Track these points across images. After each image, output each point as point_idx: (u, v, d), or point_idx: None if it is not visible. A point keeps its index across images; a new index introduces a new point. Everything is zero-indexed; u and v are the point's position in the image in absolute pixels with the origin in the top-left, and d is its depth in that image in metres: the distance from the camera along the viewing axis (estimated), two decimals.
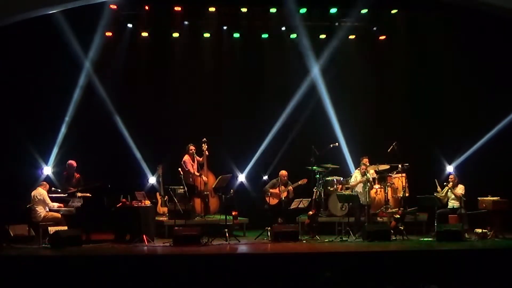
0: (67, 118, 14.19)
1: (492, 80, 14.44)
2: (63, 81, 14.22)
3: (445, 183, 13.18)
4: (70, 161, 13.14)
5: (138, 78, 14.85)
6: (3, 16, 12.18)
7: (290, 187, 13.32)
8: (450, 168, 14.52)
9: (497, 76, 14.40)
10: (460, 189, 12.96)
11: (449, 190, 13.02)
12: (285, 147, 14.87)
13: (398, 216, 12.67)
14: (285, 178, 13.45)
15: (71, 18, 13.61)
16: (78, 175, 13.06)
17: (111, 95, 14.46)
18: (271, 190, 13.50)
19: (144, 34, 14.86)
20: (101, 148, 14.06)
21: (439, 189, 13.07)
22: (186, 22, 14.85)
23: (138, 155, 14.51)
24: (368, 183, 13.00)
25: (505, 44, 14.10)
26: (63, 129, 14.16)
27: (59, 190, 12.69)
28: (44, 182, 12.40)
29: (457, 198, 12.94)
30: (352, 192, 13.17)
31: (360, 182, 13.04)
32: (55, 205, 12.17)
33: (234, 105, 15.05)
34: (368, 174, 13.11)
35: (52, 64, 14.05)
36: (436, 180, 13.19)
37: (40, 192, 12.09)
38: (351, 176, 13.71)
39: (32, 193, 12.08)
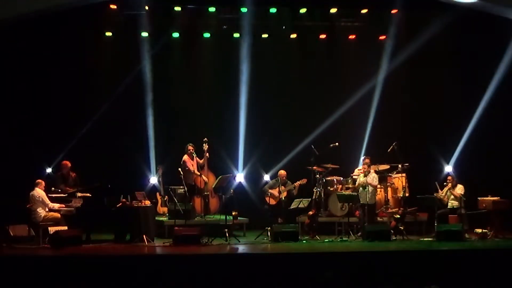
0: None
1: (492, 80, 14.46)
2: (65, 82, 14.24)
3: (444, 183, 13.19)
4: (64, 161, 13.14)
5: (138, 78, 14.83)
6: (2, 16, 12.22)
7: (297, 184, 13.26)
8: (449, 168, 14.52)
9: (497, 76, 14.41)
10: (460, 189, 12.97)
11: (449, 191, 13.02)
12: (285, 147, 14.88)
13: (398, 216, 12.67)
14: (284, 178, 13.45)
15: (72, 18, 13.64)
16: (74, 174, 13.05)
17: (111, 95, 14.45)
18: (270, 191, 13.49)
19: (144, 34, 14.85)
20: (101, 148, 14.08)
21: (439, 191, 13.07)
22: (186, 22, 14.84)
23: (138, 155, 14.48)
24: (369, 185, 12.98)
25: (505, 42, 14.11)
26: (64, 129, 14.17)
27: (60, 190, 12.67)
28: (40, 181, 12.29)
29: (457, 198, 12.94)
30: (353, 192, 13.18)
31: (362, 183, 13.02)
32: (55, 205, 12.15)
33: (234, 105, 15.04)
34: (370, 174, 13.10)
35: (53, 65, 14.08)
36: (436, 183, 13.19)
37: (39, 192, 12.05)
38: (351, 176, 13.72)
39: (31, 194, 12.04)
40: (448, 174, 13.79)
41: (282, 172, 13.53)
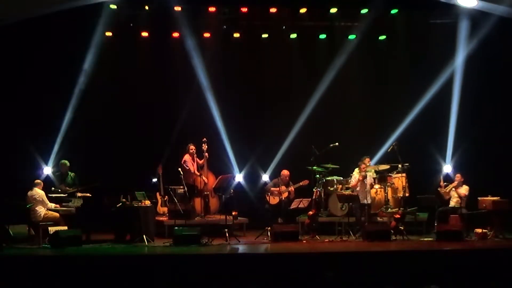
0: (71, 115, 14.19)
1: (492, 80, 14.46)
2: (63, 81, 14.24)
3: (447, 183, 13.17)
4: (63, 161, 13.15)
5: (138, 78, 14.83)
6: (2, 16, 12.22)
7: (291, 188, 13.30)
8: (448, 168, 14.51)
9: (497, 76, 14.40)
10: (464, 190, 12.93)
11: (453, 188, 12.99)
12: (285, 147, 14.88)
13: (398, 216, 12.67)
14: (287, 178, 13.45)
15: (72, 18, 13.64)
16: (73, 173, 13.04)
17: (111, 95, 14.44)
18: (273, 189, 13.48)
19: (144, 34, 14.85)
20: (101, 148, 14.07)
21: (442, 184, 13.05)
22: (186, 22, 14.83)
23: (138, 155, 14.46)
24: (365, 182, 12.97)
25: (506, 42, 14.12)
26: (63, 129, 14.17)
27: (60, 190, 12.68)
28: (39, 181, 12.32)
29: (460, 198, 12.90)
30: (352, 192, 13.17)
31: (359, 181, 13.01)
32: (53, 205, 12.15)
33: (234, 105, 15.03)
34: (368, 174, 13.10)
35: (52, 65, 14.07)
36: (441, 176, 13.18)
37: (38, 192, 12.05)
38: (351, 176, 13.72)
39: (29, 194, 12.03)
40: (455, 173, 13.70)
41: (285, 172, 13.51)
